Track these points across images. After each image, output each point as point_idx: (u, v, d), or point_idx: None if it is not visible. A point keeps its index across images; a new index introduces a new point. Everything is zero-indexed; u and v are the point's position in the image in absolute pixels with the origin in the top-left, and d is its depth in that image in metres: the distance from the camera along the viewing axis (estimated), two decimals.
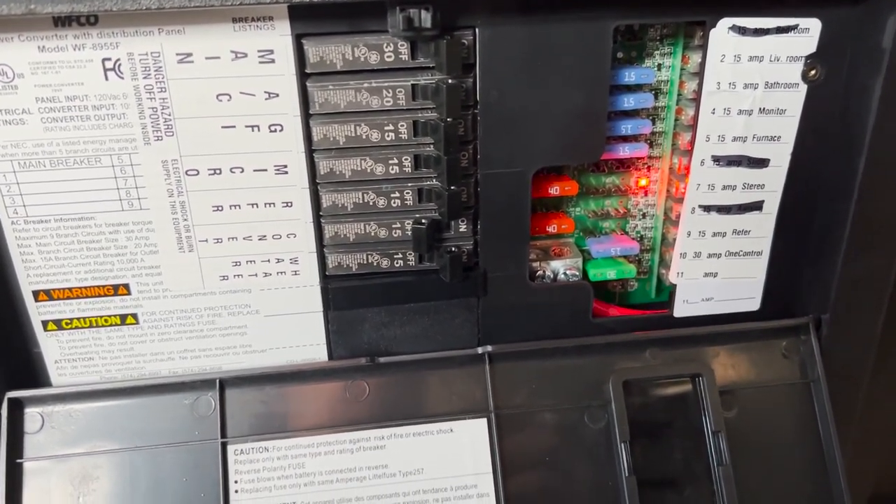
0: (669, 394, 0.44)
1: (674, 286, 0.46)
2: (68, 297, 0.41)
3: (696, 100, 0.41)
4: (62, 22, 0.35)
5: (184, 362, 0.43)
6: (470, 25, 0.37)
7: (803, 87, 0.41)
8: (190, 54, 0.36)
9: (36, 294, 0.41)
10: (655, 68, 0.42)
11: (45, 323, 0.41)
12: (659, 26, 0.41)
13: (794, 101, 0.41)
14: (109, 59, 0.36)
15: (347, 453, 0.42)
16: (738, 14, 0.39)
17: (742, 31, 0.39)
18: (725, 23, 0.39)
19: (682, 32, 0.41)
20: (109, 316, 0.42)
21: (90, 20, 0.35)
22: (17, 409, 0.41)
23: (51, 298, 0.41)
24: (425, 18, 0.35)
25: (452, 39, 0.36)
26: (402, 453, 0.42)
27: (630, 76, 0.41)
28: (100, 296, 0.41)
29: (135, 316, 0.42)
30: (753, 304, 0.47)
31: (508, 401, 0.44)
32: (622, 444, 0.43)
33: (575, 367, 0.44)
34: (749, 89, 0.40)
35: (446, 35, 0.36)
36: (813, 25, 0.39)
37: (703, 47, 0.39)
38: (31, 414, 0.42)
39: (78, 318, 0.42)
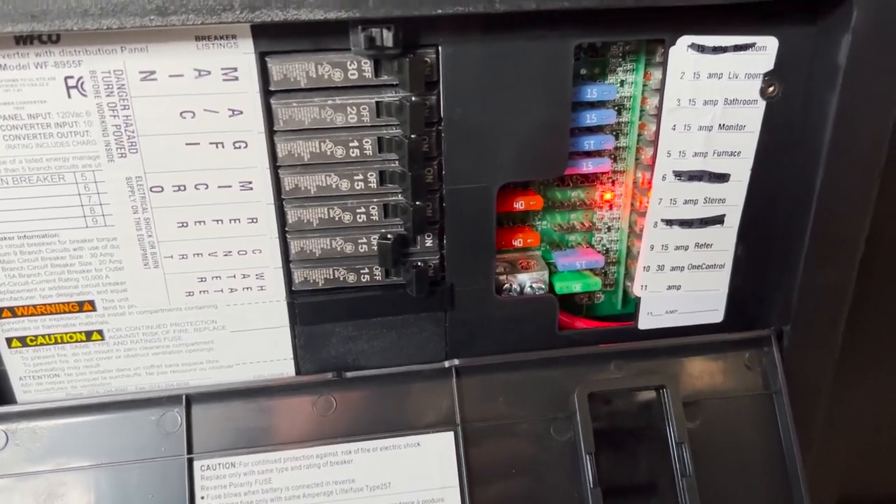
0: (634, 405, 0.45)
1: (638, 299, 0.46)
2: (32, 314, 0.41)
3: (658, 116, 0.42)
4: (24, 40, 0.35)
5: (150, 378, 0.43)
6: (433, 44, 0.37)
7: (762, 104, 0.41)
8: (153, 72, 0.36)
9: (0, 311, 0.40)
10: (618, 84, 0.43)
11: (9, 340, 0.41)
12: (621, 43, 0.42)
13: (753, 116, 0.42)
14: (72, 77, 0.36)
15: (315, 468, 0.42)
16: (697, 32, 0.39)
17: (701, 48, 0.40)
18: (685, 41, 0.39)
19: (643, 49, 0.42)
20: (75, 332, 0.41)
21: (52, 38, 0.35)
22: None
23: (14, 315, 0.41)
24: (387, 38, 0.35)
25: (415, 58, 0.37)
26: (369, 468, 0.42)
27: (592, 93, 0.41)
28: (65, 312, 0.41)
29: (100, 332, 0.42)
30: (716, 316, 0.47)
31: (475, 414, 0.44)
32: (587, 456, 0.43)
33: (541, 380, 0.45)
34: (709, 105, 0.41)
35: (409, 53, 0.37)
36: (770, 43, 0.40)
37: (664, 65, 0.40)
38: None
39: (43, 335, 0.41)
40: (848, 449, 0.57)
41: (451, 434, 0.43)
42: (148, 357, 0.43)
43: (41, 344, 0.42)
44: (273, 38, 0.36)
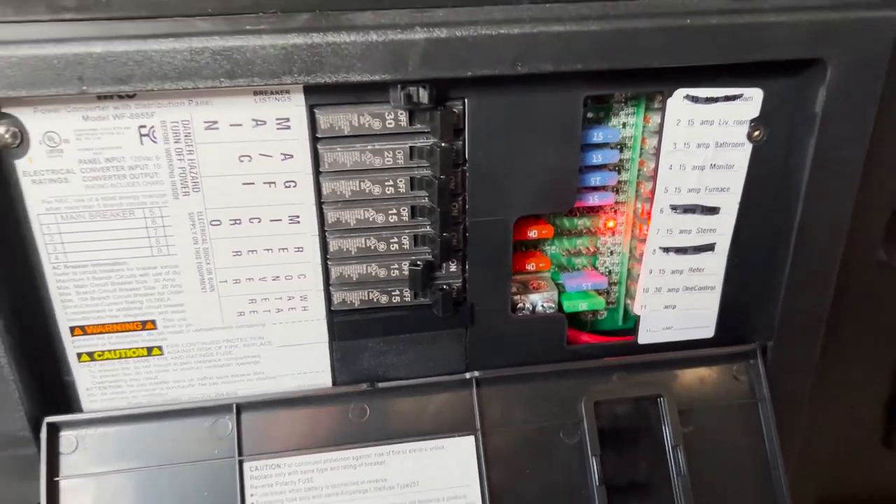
0: (635, 412, 0.50)
1: (638, 316, 0.52)
2: (101, 332, 0.46)
3: (656, 156, 0.47)
4: (105, 97, 0.40)
5: (203, 388, 0.48)
6: (460, 97, 0.42)
7: (748, 146, 0.47)
8: (216, 122, 0.41)
9: (72, 329, 0.45)
10: (621, 126, 0.48)
11: (79, 355, 0.46)
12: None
13: (741, 158, 0.47)
14: (144, 127, 0.41)
15: (351, 468, 0.47)
16: (691, 85, 0.44)
17: (695, 99, 0.45)
18: (680, 93, 0.45)
19: (644, 96, 0.47)
20: (137, 348, 0.46)
21: (129, 94, 0.40)
22: (53, 432, 0.46)
23: (85, 333, 0.46)
24: (423, 95, 0.40)
25: (445, 110, 0.42)
26: (399, 468, 0.48)
27: (598, 136, 0.46)
28: (129, 331, 0.46)
29: (160, 348, 0.47)
30: (708, 332, 0.52)
31: (493, 420, 0.49)
32: (593, 458, 0.48)
33: (551, 390, 0.50)
34: (701, 148, 0.46)
35: (440, 106, 0.42)
36: (756, 94, 0.45)
37: (662, 112, 0.45)
38: (67, 437, 0.46)
39: (109, 351, 0.46)
40: (823, 456, 0.62)
41: (471, 438, 0.48)
42: (202, 370, 0.48)
43: (107, 358, 0.46)
44: (322, 94, 0.41)
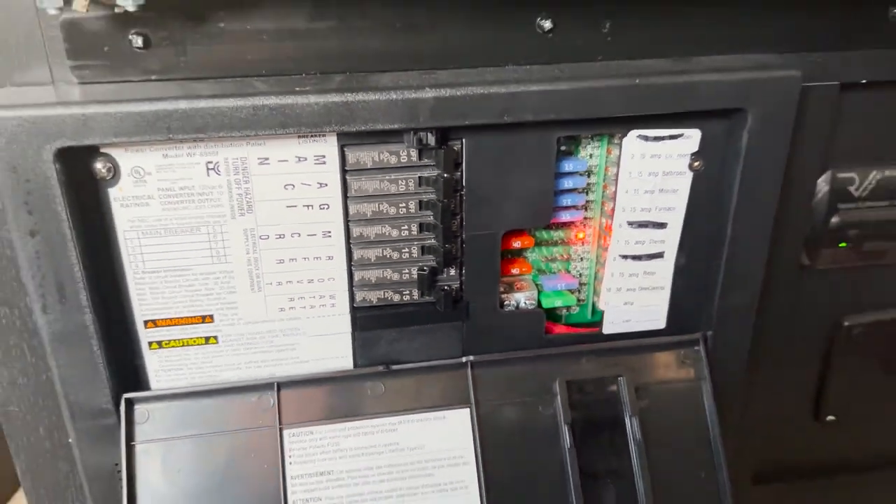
0: (599, 389, 0.60)
1: (603, 311, 0.63)
2: (168, 325, 0.56)
3: (616, 181, 0.58)
4: (181, 140, 0.50)
5: (250, 371, 0.58)
6: (459, 138, 0.53)
7: (689, 175, 0.57)
8: (267, 158, 0.52)
9: (146, 322, 0.56)
10: (588, 157, 0.58)
11: (150, 343, 0.56)
12: None
13: (683, 184, 0.57)
14: (211, 162, 0.51)
15: (370, 434, 0.57)
16: (643, 128, 0.55)
17: (646, 138, 0.56)
18: (634, 133, 0.55)
19: (606, 135, 0.58)
20: (197, 338, 0.57)
21: (200, 138, 0.50)
22: (130, 406, 0.55)
23: (155, 326, 0.56)
24: (430, 139, 0.51)
25: (448, 148, 0.52)
26: (408, 434, 0.57)
27: (569, 166, 0.56)
28: (191, 323, 0.56)
29: (216, 337, 0.57)
30: (660, 324, 0.62)
31: (485, 396, 0.58)
32: (565, 426, 0.58)
33: (531, 371, 0.59)
34: (651, 176, 0.57)
35: (443, 146, 0.52)
36: (695, 134, 0.55)
37: (620, 148, 0.56)
38: (140, 409, 0.56)
39: (174, 340, 0.56)
40: (759, 432, 0.69)
41: (467, 410, 0.58)
42: (249, 355, 0.58)
43: (172, 346, 0.57)
44: (350, 136, 0.52)
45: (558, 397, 0.59)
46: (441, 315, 0.58)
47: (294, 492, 0.56)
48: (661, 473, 0.59)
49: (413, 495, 0.57)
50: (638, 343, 0.61)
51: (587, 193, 0.60)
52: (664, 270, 0.61)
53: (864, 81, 0.57)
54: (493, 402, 0.59)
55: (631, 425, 0.59)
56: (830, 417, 0.72)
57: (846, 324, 0.68)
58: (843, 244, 0.63)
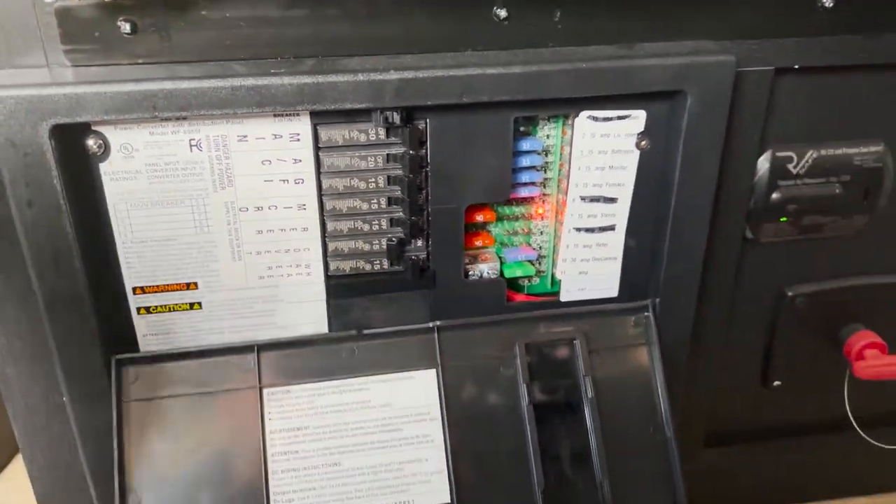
0: (556, 351, 0.65)
1: (560, 280, 0.68)
2: (155, 292, 0.61)
3: (569, 160, 0.63)
4: (166, 118, 0.55)
5: (232, 335, 0.62)
6: (424, 118, 0.57)
7: (636, 153, 0.62)
8: (246, 136, 0.56)
9: (134, 289, 0.60)
10: (545, 137, 0.63)
11: (138, 308, 0.61)
12: None
13: (631, 161, 0.62)
14: (194, 139, 0.55)
15: (343, 393, 0.61)
16: (593, 109, 0.60)
17: (595, 118, 0.60)
18: (584, 114, 0.60)
19: (561, 115, 0.63)
20: (183, 303, 0.61)
21: (184, 116, 0.55)
22: (120, 367, 0.59)
23: (144, 292, 0.60)
24: (396, 118, 0.55)
25: (413, 127, 0.57)
26: (379, 392, 0.62)
27: (527, 145, 0.61)
28: (177, 290, 0.60)
29: (200, 303, 0.61)
30: (613, 292, 0.67)
31: (450, 357, 0.62)
32: (524, 385, 0.62)
33: (494, 335, 0.63)
34: (602, 154, 0.62)
35: (409, 125, 0.57)
36: (640, 115, 0.60)
37: (572, 128, 0.61)
38: (130, 370, 0.60)
39: (161, 306, 0.61)
40: (706, 393, 0.73)
41: (433, 371, 0.62)
42: (231, 320, 0.62)
43: (159, 312, 0.61)
44: (323, 116, 0.56)
45: (518, 359, 0.63)
46: (409, 283, 0.62)
47: (273, 445, 0.61)
48: (612, 428, 0.64)
49: (383, 448, 0.62)
50: (591, 309, 0.65)
51: (545, 171, 0.64)
52: (615, 242, 0.66)
53: (797, 67, 0.61)
54: (458, 363, 0.63)
55: (584, 384, 0.64)
56: (777, 383, 0.75)
57: (789, 294, 0.71)
58: (783, 219, 0.68)
